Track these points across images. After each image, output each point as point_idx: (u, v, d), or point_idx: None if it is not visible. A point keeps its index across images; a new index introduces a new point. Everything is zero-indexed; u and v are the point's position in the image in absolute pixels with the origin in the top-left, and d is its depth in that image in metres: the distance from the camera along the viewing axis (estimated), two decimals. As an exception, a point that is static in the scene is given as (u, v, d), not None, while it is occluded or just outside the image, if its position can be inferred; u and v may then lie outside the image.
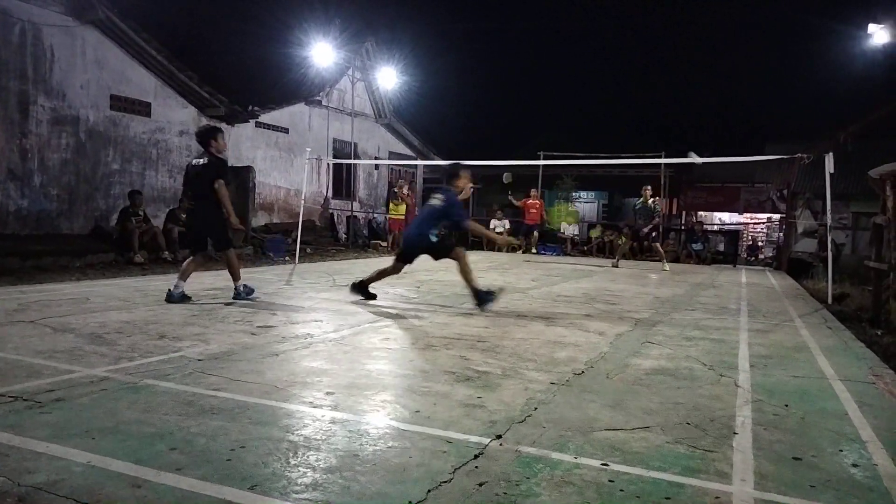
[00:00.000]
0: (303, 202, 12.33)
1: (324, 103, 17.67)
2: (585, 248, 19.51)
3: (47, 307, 5.70)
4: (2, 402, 2.99)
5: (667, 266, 13.53)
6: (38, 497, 2.07)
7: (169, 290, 6.25)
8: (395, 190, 17.45)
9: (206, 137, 6.44)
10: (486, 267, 12.12)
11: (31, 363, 3.71)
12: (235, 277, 6.52)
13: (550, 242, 18.61)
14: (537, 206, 17.85)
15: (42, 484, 2.15)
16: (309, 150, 13.03)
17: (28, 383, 3.31)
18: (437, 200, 6.65)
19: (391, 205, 16.77)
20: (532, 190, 18.14)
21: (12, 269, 8.37)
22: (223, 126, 14.41)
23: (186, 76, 13.15)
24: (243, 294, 6.50)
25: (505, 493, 2.22)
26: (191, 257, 6.52)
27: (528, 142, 30.25)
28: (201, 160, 6.37)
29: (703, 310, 7.22)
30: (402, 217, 16.24)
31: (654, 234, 14.03)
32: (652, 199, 13.65)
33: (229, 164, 14.26)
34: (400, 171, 21.48)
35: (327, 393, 3.36)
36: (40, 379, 3.40)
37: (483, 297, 6.37)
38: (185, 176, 6.63)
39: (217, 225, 6.43)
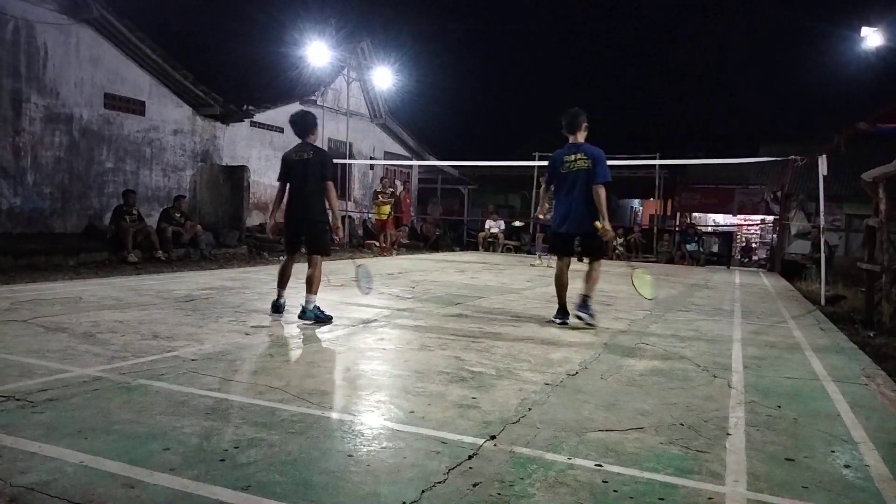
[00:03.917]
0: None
1: (319, 103, 17.64)
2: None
3: (40, 306, 5.67)
4: (-6, 401, 2.98)
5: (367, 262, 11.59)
6: (31, 497, 2.06)
7: (302, 306, 5.52)
8: (378, 189, 16.48)
9: (309, 127, 5.69)
10: (480, 268, 12.12)
11: (23, 362, 3.69)
12: (312, 290, 5.53)
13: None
14: None
15: (34, 484, 2.14)
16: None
17: (20, 383, 3.29)
18: (585, 160, 5.60)
19: (375, 206, 16.14)
20: None
21: (5, 268, 8.32)
22: (217, 125, 14.44)
23: (181, 75, 13.10)
24: (311, 315, 5.45)
25: (499, 494, 2.22)
26: (288, 264, 5.75)
27: (523, 142, 30.29)
28: (305, 152, 5.61)
29: (697, 311, 7.24)
30: (386, 217, 15.73)
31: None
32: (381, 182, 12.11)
33: (224, 164, 14.37)
34: (395, 170, 21.47)
35: (321, 393, 3.36)
36: (33, 378, 3.38)
37: (582, 306, 5.76)
38: (284, 167, 5.71)
39: (322, 226, 5.65)
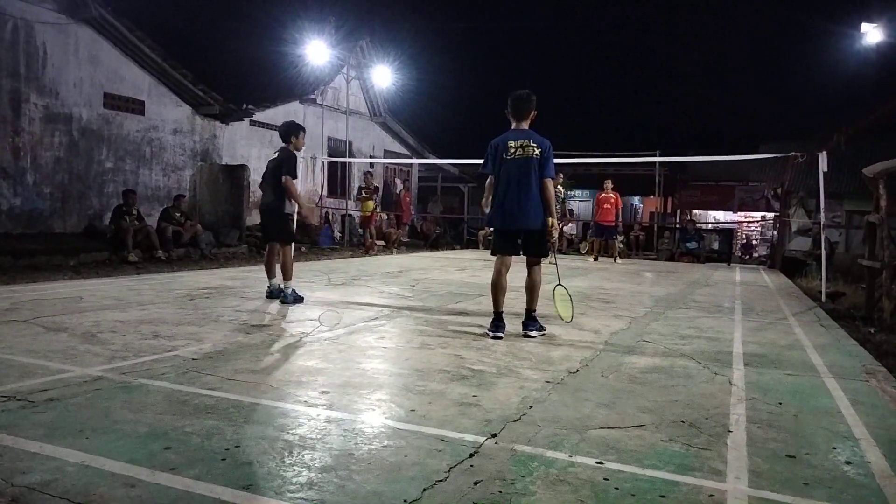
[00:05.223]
0: (297, 201, 12.24)
1: (318, 102, 17.64)
2: (580, 246, 19.54)
3: (40, 306, 5.67)
4: (-5, 401, 2.98)
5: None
6: (32, 497, 2.06)
7: (282, 290, 6.37)
8: (361, 185, 15.99)
9: (288, 134, 6.55)
10: (481, 266, 12.11)
11: (24, 363, 3.69)
12: (287, 277, 6.34)
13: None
14: (612, 200, 14.50)
15: (36, 484, 2.14)
16: (303, 148, 12.99)
17: (21, 383, 3.29)
18: (534, 148, 4.98)
19: (361, 203, 15.85)
20: (606, 181, 14.76)
21: (5, 268, 8.33)
22: (217, 124, 14.43)
23: (180, 74, 13.09)
24: (290, 298, 6.25)
25: (500, 492, 2.22)
26: (269, 256, 6.66)
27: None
28: (277, 153, 6.48)
29: (698, 308, 7.24)
30: (370, 213, 15.55)
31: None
32: None
33: (224, 163, 14.36)
34: (395, 169, 21.46)
35: (322, 392, 3.36)
36: (33, 378, 3.38)
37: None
38: (265, 172, 6.67)
39: (280, 218, 6.45)
